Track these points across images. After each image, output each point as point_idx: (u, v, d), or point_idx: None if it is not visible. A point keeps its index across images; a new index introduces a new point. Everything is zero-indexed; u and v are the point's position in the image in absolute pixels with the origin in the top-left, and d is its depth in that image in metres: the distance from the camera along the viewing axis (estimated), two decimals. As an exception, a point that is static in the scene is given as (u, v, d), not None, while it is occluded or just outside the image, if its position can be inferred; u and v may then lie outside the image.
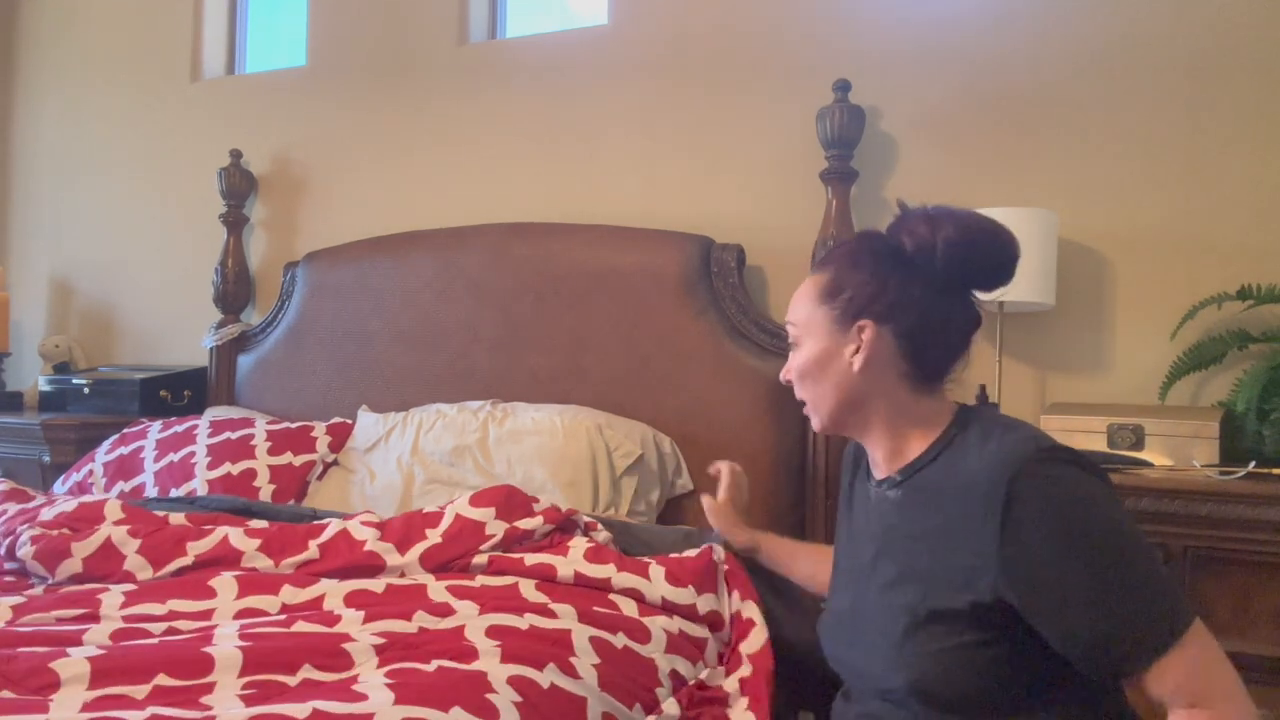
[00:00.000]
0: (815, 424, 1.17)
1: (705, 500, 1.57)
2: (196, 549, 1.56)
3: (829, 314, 1.11)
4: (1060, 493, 0.94)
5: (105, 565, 1.54)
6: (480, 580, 1.49)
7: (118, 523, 1.65)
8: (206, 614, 1.36)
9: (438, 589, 1.44)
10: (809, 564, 1.47)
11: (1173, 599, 0.92)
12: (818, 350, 1.12)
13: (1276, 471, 1.65)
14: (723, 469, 1.61)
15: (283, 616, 1.34)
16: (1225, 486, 1.57)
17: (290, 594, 1.42)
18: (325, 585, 1.45)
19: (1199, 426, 1.76)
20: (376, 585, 1.45)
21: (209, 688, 1.08)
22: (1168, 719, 0.92)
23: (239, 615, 1.36)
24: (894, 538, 1.08)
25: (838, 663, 1.17)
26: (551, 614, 1.35)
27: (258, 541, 1.58)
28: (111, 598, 1.38)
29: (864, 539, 1.14)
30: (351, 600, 1.41)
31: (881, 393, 1.10)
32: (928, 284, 1.07)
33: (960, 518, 0.99)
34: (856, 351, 1.09)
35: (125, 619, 1.32)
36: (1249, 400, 1.74)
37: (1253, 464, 1.65)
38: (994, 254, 1.06)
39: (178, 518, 1.70)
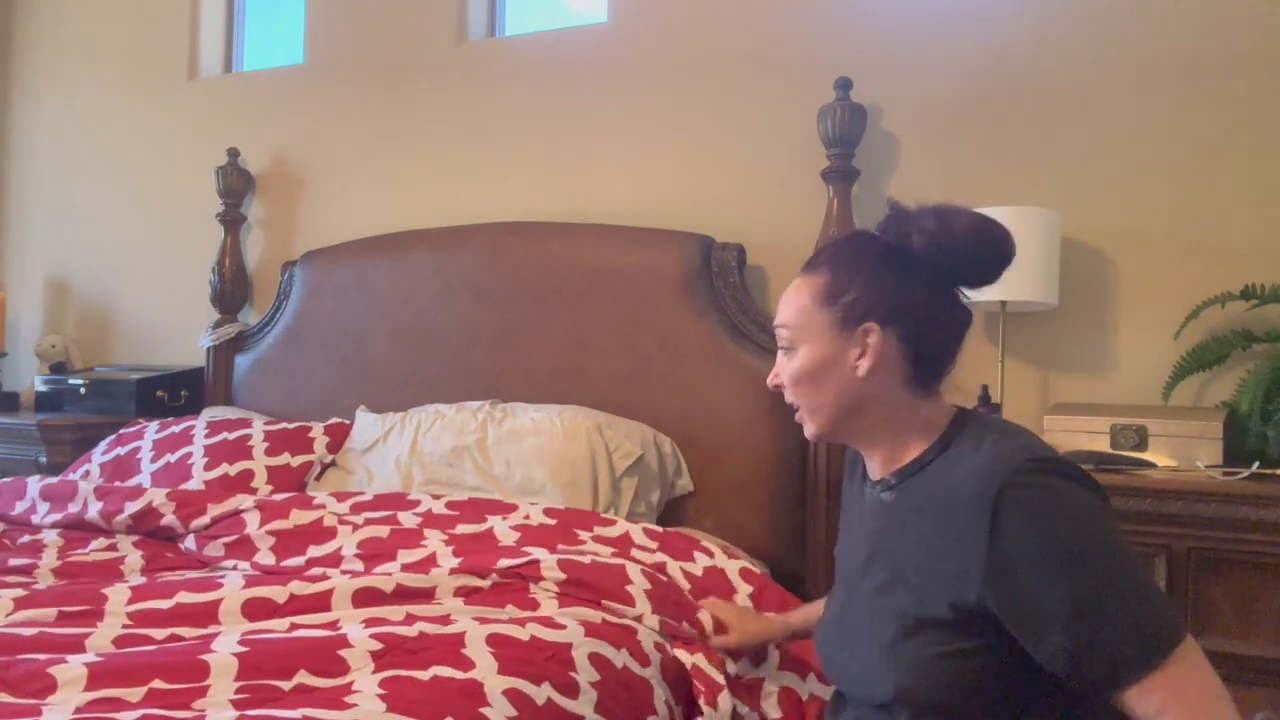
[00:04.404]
0: (810, 431, 1.13)
1: (717, 641, 1.48)
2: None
3: (830, 317, 1.07)
4: (1048, 504, 0.92)
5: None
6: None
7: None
8: (213, 606, 1.35)
9: (447, 588, 1.46)
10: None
11: (1161, 617, 0.89)
12: (818, 355, 1.08)
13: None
14: (704, 619, 1.51)
15: (286, 622, 1.33)
16: (1229, 487, 1.56)
17: (299, 587, 1.42)
18: (334, 580, 1.45)
19: (1202, 427, 1.75)
20: (386, 584, 1.44)
21: (203, 691, 1.08)
22: None
23: (245, 606, 1.36)
24: (885, 541, 1.07)
25: (830, 666, 1.16)
26: (556, 625, 1.34)
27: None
28: (118, 593, 1.37)
29: (858, 541, 1.13)
30: (359, 598, 1.40)
31: (883, 397, 1.07)
32: (926, 283, 1.06)
33: (949, 525, 0.97)
34: (861, 356, 1.06)
35: (130, 615, 1.32)
36: (1253, 401, 1.74)
37: (1256, 465, 1.64)
38: (1002, 246, 1.05)
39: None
